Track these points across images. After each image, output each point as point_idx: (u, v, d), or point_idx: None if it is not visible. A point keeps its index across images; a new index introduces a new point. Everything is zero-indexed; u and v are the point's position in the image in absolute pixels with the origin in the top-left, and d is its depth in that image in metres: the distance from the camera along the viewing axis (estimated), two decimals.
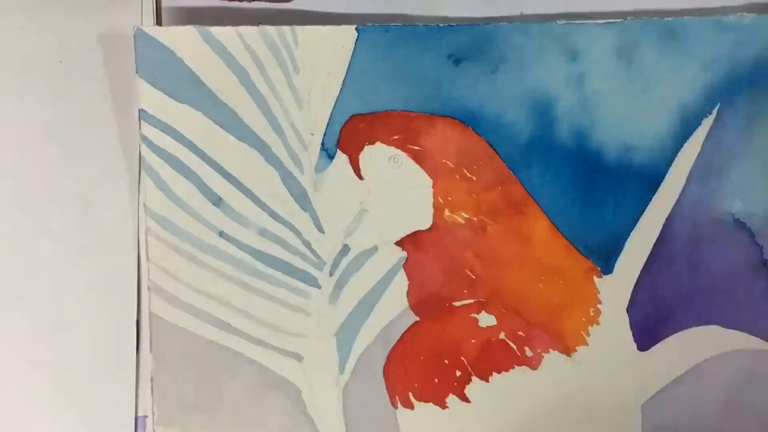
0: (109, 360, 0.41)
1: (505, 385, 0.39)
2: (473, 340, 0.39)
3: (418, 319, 0.39)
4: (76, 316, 0.41)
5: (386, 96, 0.38)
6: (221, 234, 0.39)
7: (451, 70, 0.38)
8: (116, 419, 0.41)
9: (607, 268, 0.39)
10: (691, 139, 0.38)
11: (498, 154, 0.38)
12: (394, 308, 0.39)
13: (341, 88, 0.38)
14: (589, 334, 0.39)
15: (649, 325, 0.39)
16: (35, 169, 0.41)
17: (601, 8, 0.40)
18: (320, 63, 0.38)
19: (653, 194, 0.38)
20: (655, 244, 0.39)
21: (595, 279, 0.39)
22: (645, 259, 0.39)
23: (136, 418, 0.41)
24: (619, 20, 0.38)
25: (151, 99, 0.38)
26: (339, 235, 0.39)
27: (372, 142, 0.38)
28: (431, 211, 0.39)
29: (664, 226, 0.39)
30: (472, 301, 0.39)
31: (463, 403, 0.40)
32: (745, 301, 0.39)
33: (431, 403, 0.40)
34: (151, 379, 0.39)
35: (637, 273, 0.39)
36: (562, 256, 0.39)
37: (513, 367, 0.40)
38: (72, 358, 0.41)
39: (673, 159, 0.38)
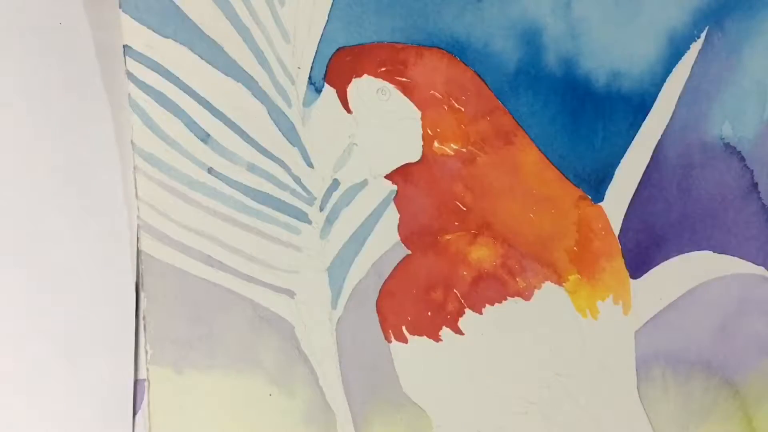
0: (107, 324, 0.40)
1: (498, 316, 0.39)
2: (465, 273, 0.39)
3: (409, 252, 0.39)
4: (70, 275, 0.40)
5: (372, 27, 0.38)
6: (210, 171, 0.39)
7: None
8: (115, 383, 0.41)
9: (597, 196, 0.39)
10: (680, 63, 0.38)
11: (486, 84, 0.38)
12: (386, 242, 0.39)
13: (327, 21, 0.38)
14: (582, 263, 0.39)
15: (641, 253, 0.39)
16: (22, 123, 0.40)
17: None
18: None
19: (642, 121, 0.38)
20: (645, 171, 0.39)
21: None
22: (635, 186, 0.39)
23: (135, 381, 0.41)
24: None
25: (135, 34, 0.37)
26: (328, 170, 0.39)
27: (359, 75, 0.38)
28: (420, 143, 0.39)
29: (654, 153, 0.39)
30: (463, 233, 0.39)
31: (457, 335, 0.40)
32: (736, 226, 0.39)
33: (425, 337, 0.40)
34: (144, 317, 0.39)
35: (628, 200, 0.39)
36: (552, 185, 0.39)
37: (506, 299, 0.40)
38: (68, 322, 0.40)
39: (662, 84, 0.38)
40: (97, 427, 0.40)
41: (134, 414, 0.41)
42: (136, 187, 0.39)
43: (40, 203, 0.40)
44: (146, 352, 0.39)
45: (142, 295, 0.39)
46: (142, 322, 0.41)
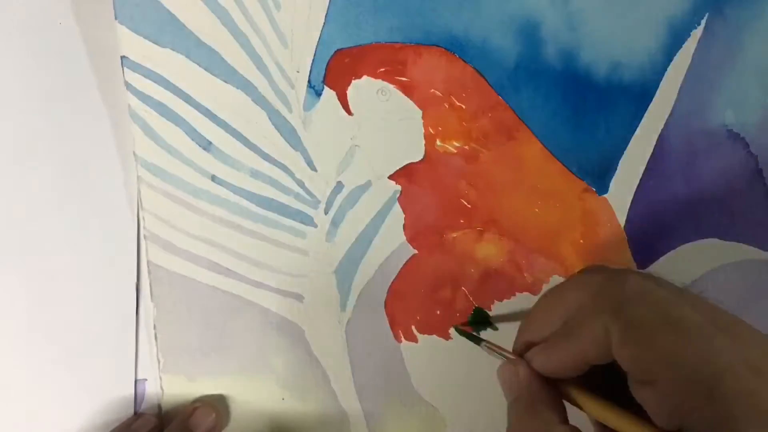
0: (108, 325, 0.40)
1: (507, 311, 0.39)
2: (473, 270, 0.39)
3: (416, 252, 0.39)
4: (72, 277, 0.40)
5: (370, 28, 0.38)
6: (213, 178, 0.39)
7: None
8: (116, 383, 0.41)
9: (602, 188, 0.39)
10: (681, 51, 0.38)
11: (486, 80, 0.38)
12: (392, 242, 0.39)
13: (324, 23, 0.38)
14: (588, 256, 0.39)
15: (648, 243, 0.39)
16: (22, 124, 0.40)
17: None
18: None
19: (645, 111, 0.38)
20: (649, 161, 0.38)
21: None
22: (640, 177, 0.39)
23: (136, 381, 0.41)
24: None
25: (133, 45, 0.37)
26: (332, 173, 0.39)
27: (359, 77, 0.38)
28: (422, 142, 0.39)
29: (657, 143, 0.38)
30: (469, 230, 0.39)
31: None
32: (742, 213, 0.39)
33: (435, 335, 0.40)
34: (154, 327, 0.39)
35: (633, 191, 0.39)
36: (556, 179, 0.39)
37: (514, 294, 0.40)
38: (70, 323, 0.40)
39: (663, 73, 0.38)
40: (98, 428, 0.40)
41: (135, 414, 0.41)
42: (140, 198, 0.39)
43: (40, 206, 0.40)
44: (158, 361, 0.40)
45: (151, 304, 0.39)
46: (143, 325, 0.41)
